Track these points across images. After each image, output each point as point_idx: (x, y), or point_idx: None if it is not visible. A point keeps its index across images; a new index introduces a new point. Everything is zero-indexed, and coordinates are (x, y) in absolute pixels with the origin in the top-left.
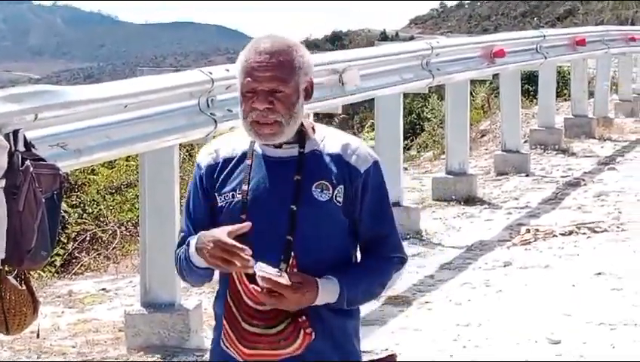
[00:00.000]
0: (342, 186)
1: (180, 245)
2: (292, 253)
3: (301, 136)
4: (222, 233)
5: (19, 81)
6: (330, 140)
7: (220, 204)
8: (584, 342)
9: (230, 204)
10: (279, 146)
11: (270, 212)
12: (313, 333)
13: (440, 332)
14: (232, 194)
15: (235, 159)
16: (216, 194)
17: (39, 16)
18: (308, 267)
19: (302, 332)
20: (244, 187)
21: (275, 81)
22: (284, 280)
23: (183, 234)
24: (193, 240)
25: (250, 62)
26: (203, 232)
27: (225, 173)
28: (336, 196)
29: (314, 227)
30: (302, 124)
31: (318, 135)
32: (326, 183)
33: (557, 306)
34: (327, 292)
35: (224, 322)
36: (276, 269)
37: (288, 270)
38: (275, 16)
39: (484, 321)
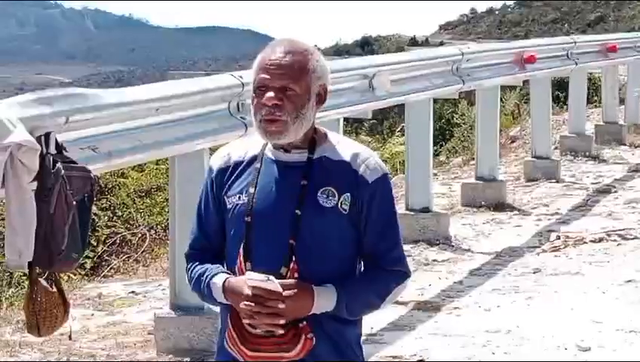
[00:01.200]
0: (348, 194)
1: (191, 248)
2: (293, 258)
3: (312, 142)
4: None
5: (50, 85)
6: (341, 148)
7: (228, 207)
8: (614, 349)
9: (237, 207)
10: (288, 151)
11: (275, 216)
12: (314, 339)
13: (469, 338)
14: (239, 197)
15: (246, 162)
16: (225, 197)
17: (70, 20)
18: (309, 273)
19: (303, 337)
20: (251, 190)
21: (286, 78)
22: (273, 286)
23: (193, 236)
24: (219, 278)
25: (265, 59)
26: (234, 280)
27: (235, 176)
28: (341, 203)
29: (317, 233)
30: (315, 131)
31: (329, 142)
32: (332, 190)
33: (587, 313)
34: (324, 300)
35: (228, 323)
36: (264, 275)
37: (289, 274)
38: (305, 19)
39: (513, 327)
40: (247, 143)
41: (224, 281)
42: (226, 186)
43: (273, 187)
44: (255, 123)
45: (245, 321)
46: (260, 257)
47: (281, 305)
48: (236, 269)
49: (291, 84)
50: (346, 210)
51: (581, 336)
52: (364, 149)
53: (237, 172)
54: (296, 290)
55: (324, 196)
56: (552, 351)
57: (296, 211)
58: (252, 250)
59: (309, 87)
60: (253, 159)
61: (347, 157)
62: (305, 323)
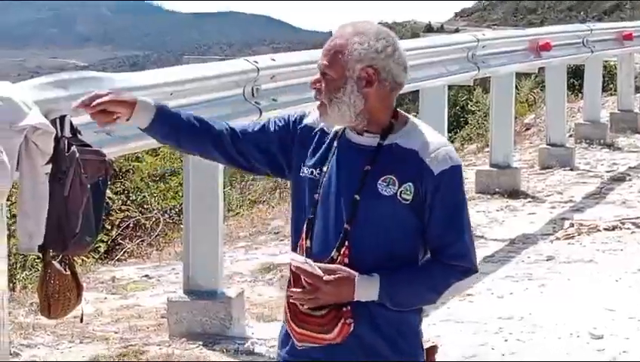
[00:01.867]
0: (411, 184)
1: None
2: (346, 243)
3: (388, 128)
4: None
5: (65, 68)
6: (415, 136)
7: (301, 174)
8: (627, 337)
9: (310, 181)
10: (361, 134)
11: (337, 198)
12: (352, 324)
13: (481, 325)
14: (312, 171)
15: (328, 136)
16: (302, 164)
17: (86, 4)
18: (360, 260)
19: (342, 321)
20: (324, 168)
21: (325, 63)
22: (310, 268)
23: (240, 124)
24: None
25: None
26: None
27: (316, 143)
28: (401, 193)
29: (373, 220)
30: (395, 115)
31: (407, 129)
32: (393, 178)
33: (600, 301)
34: (366, 289)
35: (285, 298)
36: (303, 258)
37: (339, 259)
38: (321, 6)
39: (526, 315)
40: None
41: None
42: (307, 150)
43: (342, 168)
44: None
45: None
46: (318, 237)
47: (322, 287)
48: (298, 245)
49: (327, 68)
50: (407, 200)
51: (594, 324)
52: (439, 139)
53: (319, 140)
54: (337, 276)
55: (385, 184)
56: (564, 338)
57: (355, 196)
58: (314, 228)
59: (343, 72)
60: (335, 134)
61: (417, 146)
62: (348, 308)
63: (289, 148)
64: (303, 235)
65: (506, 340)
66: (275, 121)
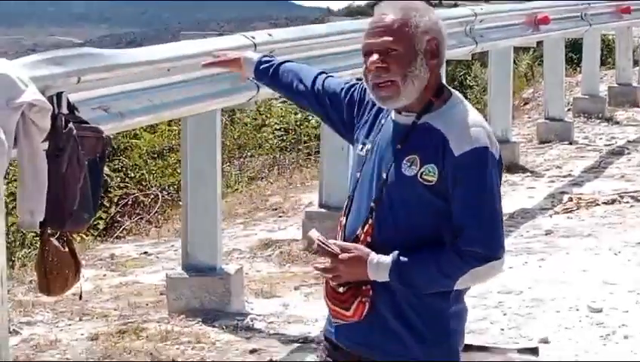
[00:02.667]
0: (433, 165)
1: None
2: (370, 221)
3: (427, 105)
4: None
5: (62, 45)
6: (448, 115)
7: (355, 147)
8: (625, 310)
9: (357, 157)
10: (400, 112)
11: (371, 176)
12: (368, 303)
13: (481, 299)
14: (361, 147)
15: (379, 111)
16: (356, 135)
17: None
18: (382, 239)
19: (358, 299)
20: (369, 145)
21: (387, 39)
22: (327, 246)
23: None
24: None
25: (370, 22)
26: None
27: (365, 116)
28: (422, 174)
29: (395, 201)
30: (437, 93)
31: (446, 106)
32: (416, 158)
33: (599, 275)
34: (378, 269)
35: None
36: (319, 234)
37: (362, 237)
38: None
39: (525, 289)
40: None
41: None
42: (358, 121)
43: (380, 148)
44: (368, 88)
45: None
46: (352, 215)
47: (337, 265)
48: (340, 220)
49: (393, 44)
50: (430, 182)
51: (593, 298)
52: (472, 119)
53: (368, 113)
54: (351, 255)
55: (408, 164)
56: (563, 312)
57: (383, 175)
58: (350, 206)
59: (412, 44)
60: (386, 112)
61: (445, 126)
62: (368, 286)
63: (352, 114)
64: (343, 211)
65: (505, 314)
66: (345, 87)
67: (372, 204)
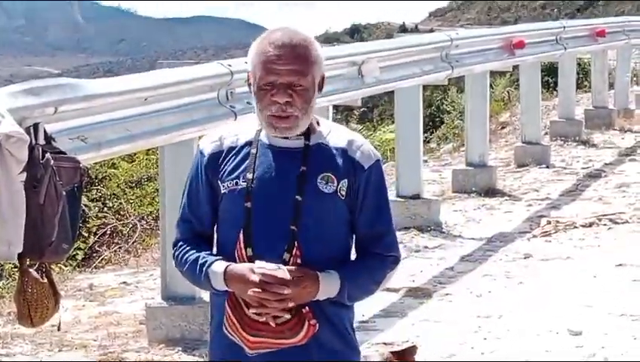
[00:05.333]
0: (346, 180)
1: (182, 234)
2: (296, 244)
3: (307, 129)
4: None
5: (39, 76)
6: (335, 134)
7: (223, 191)
8: (605, 333)
9: (234, 191)
10: (285, 137)
11: (275, 201)
12: (317, 324)
13: (461, 324)
14: (236, 182)
15: (239, 147)
16: (219, 182)
17: (58, 12)
18: (311, 258)
19: (306, 323)
20: (249, 175)
21: (294, 75)
22: (283, 273)
23: (183, 222)
24: (219, 266)
25: (268, 55)
26: (238, 268)
27: (229, 161)
28: (340, 189)
29: (318, 218)
30: None
31: (323, 128)
32: (331, 176)
33: (578, 298)
34: (328, 286)
35: (227, 308)
36: (274, 264)
37: (291, 260)
38: (294, 8)
39: (505, 313)
40: (238, 128)
41: (225, 268)
42: (221, 171)
43: (272, 173)
44: (262, 118)
45: (252, 310)
46: (261, 243)
47: (287, 291)
48: (236, 255)
49: (300, 80)
50: (344, 196)
51: (572, 320)
52: (357, 136)
53: (231, 157)
54: (303, 277)
55: (324, 182)
56: (543, 335)
57: (297, 197)
58: (253, 235)
59: (313, 80)
60: (248, 144)
61: (343, 144)
62: (307, 309)
63: (214, 190)
64: (241, 245)
65: (485, 339)
66: (195, 186)
67: (292, 227)
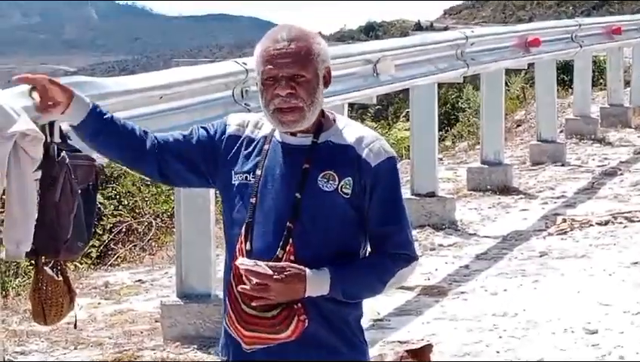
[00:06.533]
0: (350, 178)
1: (157, 138)
2: (290, 241)
3: (318, 126)
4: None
5: (54, 74)
6: (346, 132)
7: (233, 182)
8: (621, 331)
9: (243, 186)
10: (294, 134)
11: (276, 198)
12: (307, 321)
13: (476, 322)
14: (246, 177)
15: (256, 141)
16: (232, 172)
17: (74, 10)
18: (306, 256)
19: (296, 318)
20: (258, 172)
21: (295, 67)
22: (262, 269)
23: (173, 133)
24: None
25: (269, 50)
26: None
27: (244, 150)
28: (342, 187)
29: (316, 217)
30: (322, 114)
31: (336, 126)
32: (332, 174)
33: (594, 296)
34: (318, 284)
35: (227, 304)
36: (252, 261)
37: (285, 257)
38: (309, 6)
39: (520, 311)
40: (261, 120)
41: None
42: (236, 158)
43: (278, 170)
44: (267, 114)
45: (239, 287)
46: (259, 239)
47: (272, 286)
48: (237, 249)
49: (302, 71)
50: (347, 194)
51: (588, 319)
52: (370, 133)
53: (247, 147)
54: (287, 274)
55: (325, 180)
56: (559, 334)
57: (296, 195)
58: (253, 230)
59: (316, 72)
60: (263, 139)
61: (351, 141)
62: (299, 305)
63: (213, 158)
64: (242, 238)
65: (500, 337)
66: (198, 132)
67: (289, 224)
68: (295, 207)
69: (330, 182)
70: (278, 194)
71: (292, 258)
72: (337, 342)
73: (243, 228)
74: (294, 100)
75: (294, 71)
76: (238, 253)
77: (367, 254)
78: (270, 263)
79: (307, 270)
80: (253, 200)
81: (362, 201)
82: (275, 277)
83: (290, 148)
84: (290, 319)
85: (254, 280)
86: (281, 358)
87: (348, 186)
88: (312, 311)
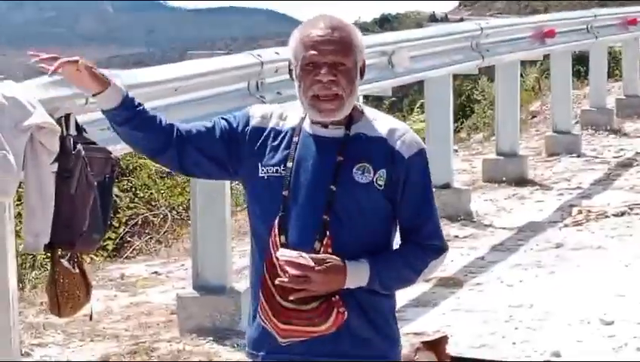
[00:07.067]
0: (384, 170)
1: (181, 128)
2: (327, 233)
3: (349, 118)
4: None
5: None
6: (377, 124)
7: (261, 174)
8: (637, 322)
9: (273, 179)
10: (325, 126)
11: (310, 191)
12: (346, 313)
13: (491, 314)
14: (276, 169)
15: (283, 133)
16: (259, 164)
17: (89, 3)
18: (343, 248)
19: (335, 311)
20: (289, 164)
21: (338, 54)
22: (305, 260)
23: (196, 124)
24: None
25: (312, 36)
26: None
27: (271, 143)
28: (377, 179)
29: (352, 208)
30: (352, 107)
31: (366, 118)
32: (367, 166)
33: (610, 287)
34: (357, 275)
35: (260, 295)
36: (296, 252)
37: (322, 249)
38: None
39: (536, 302)
40: (285, 111)
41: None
42: (263, 150)
43: (310, 162)
44: (305, 101)
45: (278, 280)
46: (295, 231)
47: (313, 277)
48: (270, 242)
49: (344, 59)
50: (381, 186)
51: (604, 310)
52: (401, 125)
53: (274, 139)
54: (328, 265)
55: (360, 172)
56: (575, 325)
57: (331, 187)
58: (287, 223)
59: (355, 62)
60: (291, 130)
61: (384, 133)
62: (337, 297)
63: (236, 150)
64: (276, 231)
65: (516, 328)
66: (220, 123)
67: (325, 217)
68: (330, 200)
69: (366, 174)
70: (311, 187)
71: (329, 250)
72: (371, 332)
73: (276, 220)
74: (335, 87)
75: (337, 58)
76: (272, 247)
77: (400, 245)
78: (312, 255)
79: (347, 261)
80: (285, 192)
81: (395, 193)
82: (317, 268)
83: (322, 141)
84: (330, 311)
85: (292, 272)
86: (318, 349)
87: (382, 178)
88: (349, 302)
